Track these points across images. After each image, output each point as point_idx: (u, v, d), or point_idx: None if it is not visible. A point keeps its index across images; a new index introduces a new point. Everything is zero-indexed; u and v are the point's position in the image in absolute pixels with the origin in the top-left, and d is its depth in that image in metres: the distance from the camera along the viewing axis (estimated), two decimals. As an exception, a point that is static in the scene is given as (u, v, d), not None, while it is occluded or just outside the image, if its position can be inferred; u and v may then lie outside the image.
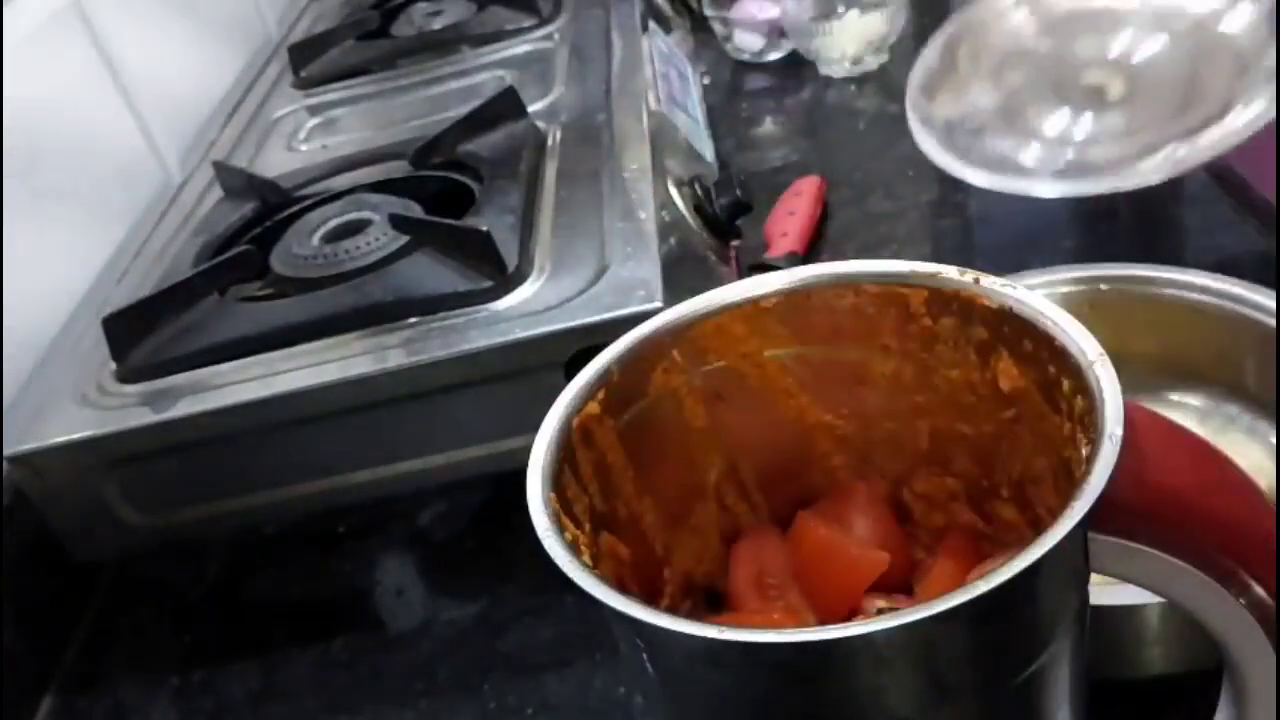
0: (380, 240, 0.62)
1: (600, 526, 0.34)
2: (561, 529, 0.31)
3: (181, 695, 0.56)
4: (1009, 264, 0.60)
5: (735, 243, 0.69)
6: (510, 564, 0.57)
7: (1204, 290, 0.53)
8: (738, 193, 0.68)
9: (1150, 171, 0.57)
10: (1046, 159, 0.62)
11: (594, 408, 0.35)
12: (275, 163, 0.79)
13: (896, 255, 0.54)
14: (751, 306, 0.37)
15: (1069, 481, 0.32)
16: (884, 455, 0.39)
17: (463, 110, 0.72)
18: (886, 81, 0.94)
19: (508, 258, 0.57)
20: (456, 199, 0.66)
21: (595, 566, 0.31)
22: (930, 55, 0.68)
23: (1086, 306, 0.54)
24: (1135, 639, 0.42)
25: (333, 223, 0.65)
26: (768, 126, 0.95)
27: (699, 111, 0.85)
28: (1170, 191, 0.69)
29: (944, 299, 0.35)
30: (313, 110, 0.87)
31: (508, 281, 0.57)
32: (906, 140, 0.66)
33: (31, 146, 0.71)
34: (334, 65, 0.93)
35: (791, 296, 0.36)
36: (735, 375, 0.38)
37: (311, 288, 0.60)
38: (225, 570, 0.63)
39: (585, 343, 0.51)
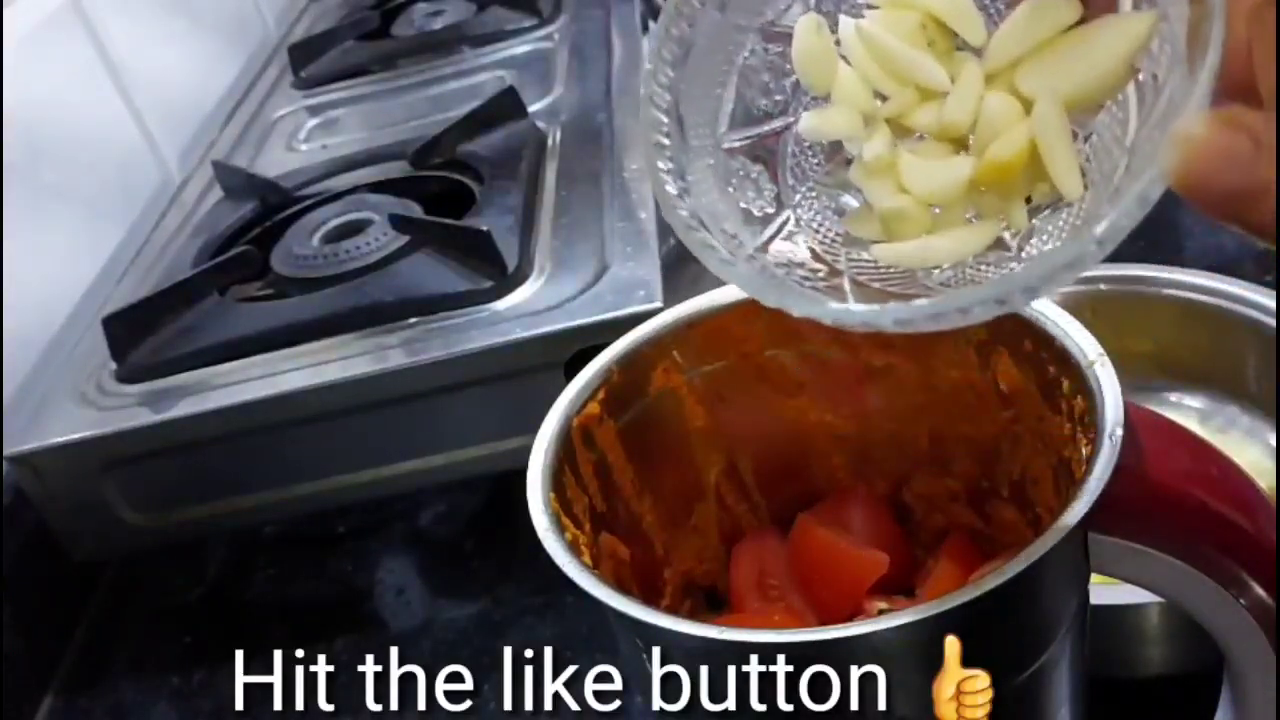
0: (380, 240, 0.62)
1: (600, 526, 0.34)
2: (561, 529, 0.31)
3: (181, 695, 0.56)
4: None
5: (735, 243, 0.69)
6: (510, 564, 0.57)
7: (1203, 290, 0.53)
8: (738, 193, 0.68)
9: None
10: None
11: (594, 408, 0.35)
12: (275, 163, 0.79)
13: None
14: (751, 306, 0.37)
15: (1069, 481, 0.32)
16: (884, 456, 0.39)
17: (463, 110, 0.72)
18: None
19: (508, 258, 0.57)
20: (456, 199, 0.66)
21: (595, 566, 0.31)
22: None
23: (1087, 307, 0.54)
24: (1135, 639, 0.42)
25: (333, 223, 0.65)
26: (768, 126, 0.95)
27: (699, 111, 0.85)
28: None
29: (944, 299, 0.35)
30: (313, 110, 0.87)
31: (508, 281, 0.57)
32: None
33: (31, 146, 0.71)
34: (334, 65, 0.93)
35: (792, 296, 0.36)
36: (735, 375, 0.37)
37: (311, 288, 0.60)
38: (225, 570, 0.63)
39: (585, 343, 0.51)
